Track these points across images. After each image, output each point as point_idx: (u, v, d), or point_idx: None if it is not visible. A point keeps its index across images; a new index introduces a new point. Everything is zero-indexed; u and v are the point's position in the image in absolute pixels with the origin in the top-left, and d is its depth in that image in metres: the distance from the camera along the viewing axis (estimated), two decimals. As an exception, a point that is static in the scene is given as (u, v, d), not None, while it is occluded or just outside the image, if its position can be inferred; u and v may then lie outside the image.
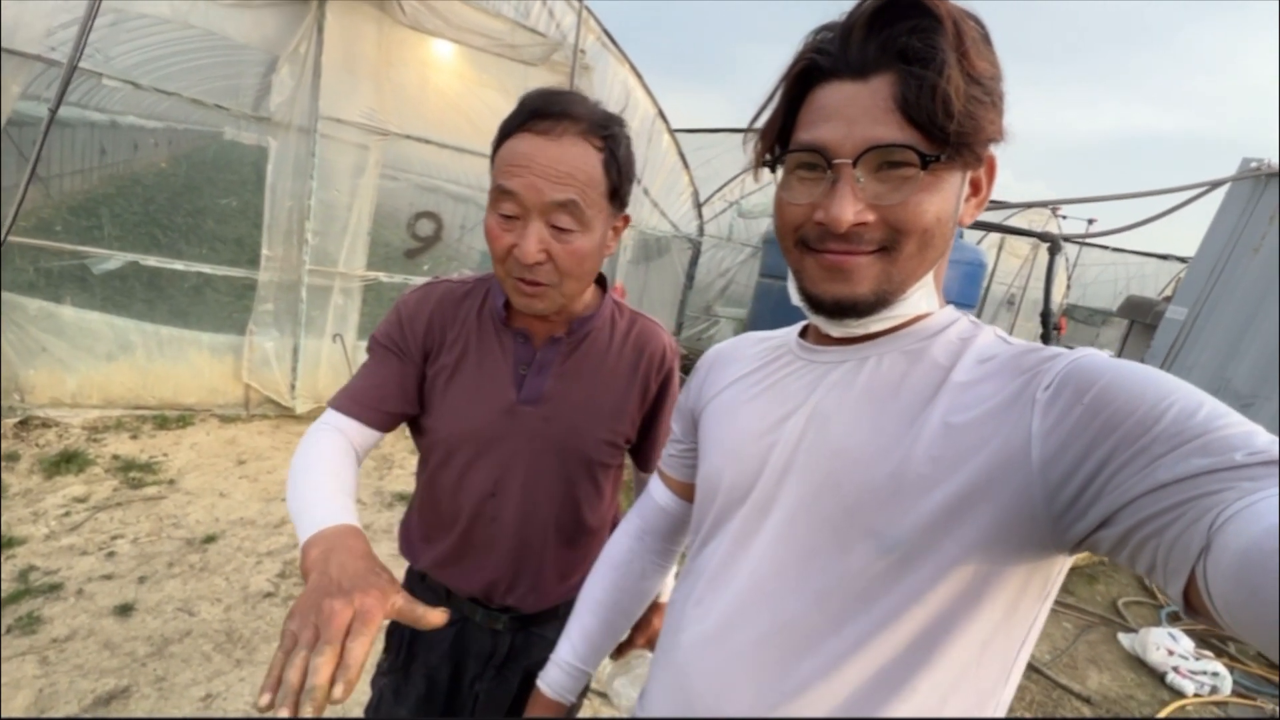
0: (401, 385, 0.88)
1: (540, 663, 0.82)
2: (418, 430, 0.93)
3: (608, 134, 0.77)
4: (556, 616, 0.98)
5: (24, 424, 3.03)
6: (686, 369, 0.75)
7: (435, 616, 0.55)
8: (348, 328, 3.81)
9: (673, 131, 4.90)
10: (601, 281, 0.95)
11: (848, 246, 0.51)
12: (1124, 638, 2.92)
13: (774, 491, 0.57)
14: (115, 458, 2.95)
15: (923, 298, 0.54)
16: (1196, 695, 2.56)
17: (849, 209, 0.48)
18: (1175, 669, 2.65)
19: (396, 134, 3.66)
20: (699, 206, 5.37)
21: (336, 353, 3.78)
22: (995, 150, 0.51)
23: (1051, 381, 0.46)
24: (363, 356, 0.91)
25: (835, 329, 0.57)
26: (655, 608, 0.97)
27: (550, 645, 0.82)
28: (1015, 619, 0.48)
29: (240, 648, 1.99)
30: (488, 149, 0.81)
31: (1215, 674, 2.63)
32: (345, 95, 3.44)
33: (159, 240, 3.73)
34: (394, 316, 0.90)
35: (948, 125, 0.46)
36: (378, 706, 1.01)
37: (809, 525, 0.54)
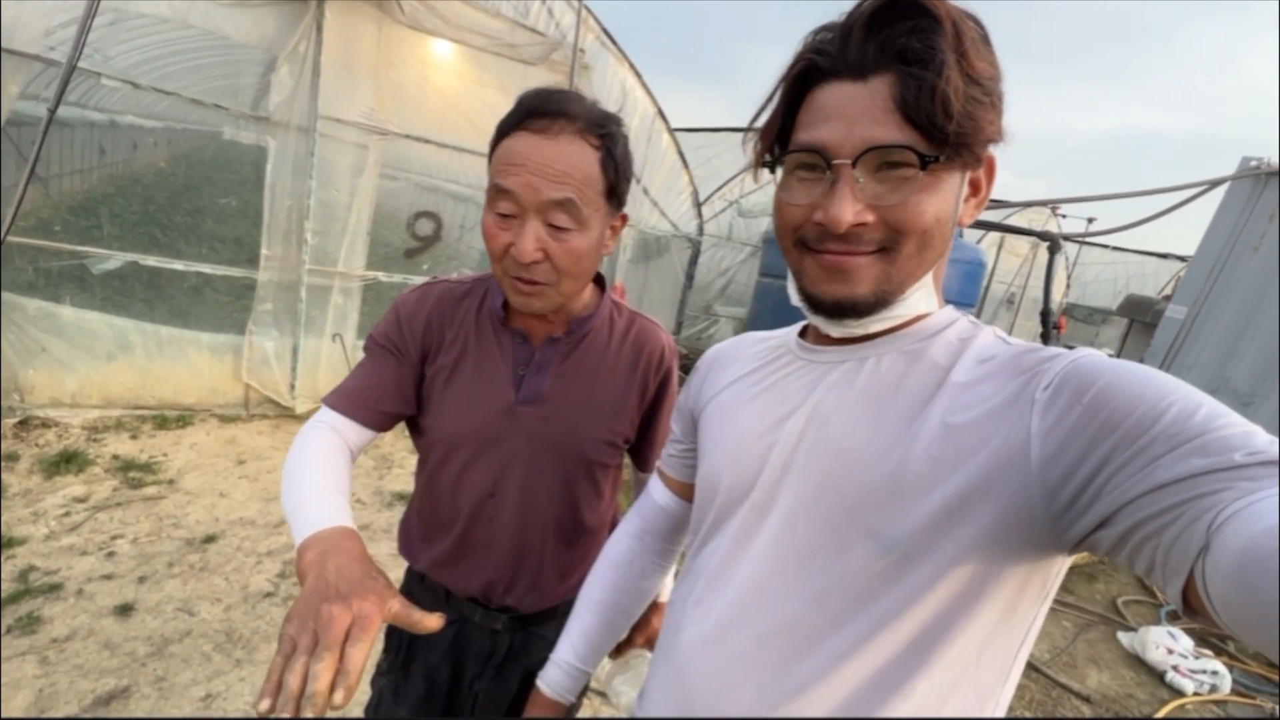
0: (399, 385, 0.88)
1: (540, 662, 0.82)
2: (416, 430, 0.93)
3: (605, 133, 0.77)
4: (556, 616, 0.98)
5: (24, 424, 3.03)
6: (686, 368, 0.75)
7: (432, 621, 0.55)
8: (347, 327, 3.81)
9: (672, 131, 4.89)
10: (600, 281, 0.95)
11: (847, 247, 0.51)
12: (1123, 636, 2.93)
13: (773, 491, 0.57)
14: (115, 458, 2.95)
15: (922, 298, 0.54)
16: (1196, 694, 2.57)
17: (848, 209, 0.48)
18: (1175, 668, 2.66)
19: (396, 133, 3.66)
20: (698, 206, 5.37)
21: (336, 352, 3.78)
22: (995, 150, 0.51)
23: (1051, 382, 0.46)
24: (362, 356, 0.91)
25: (835, 329, 0.57)
26: (654, 607, 0.97)
27: (549, 645, 0.82)
28: (1014, 619, 0.48)
29: (240, 648, 1.99)
30: (487, 148, 0.81)
31: (1215, 672, 2.63)
32: (344, 95, 3.44)
33: (158, 240, 3.73)
34: (392, 316, 0.89)
35: (947, 126, 0.46)
36: (377, 706, 1.01)
37: (808, 525, 0.54)
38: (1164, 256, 10.84)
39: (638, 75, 4.49)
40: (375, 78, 3.53)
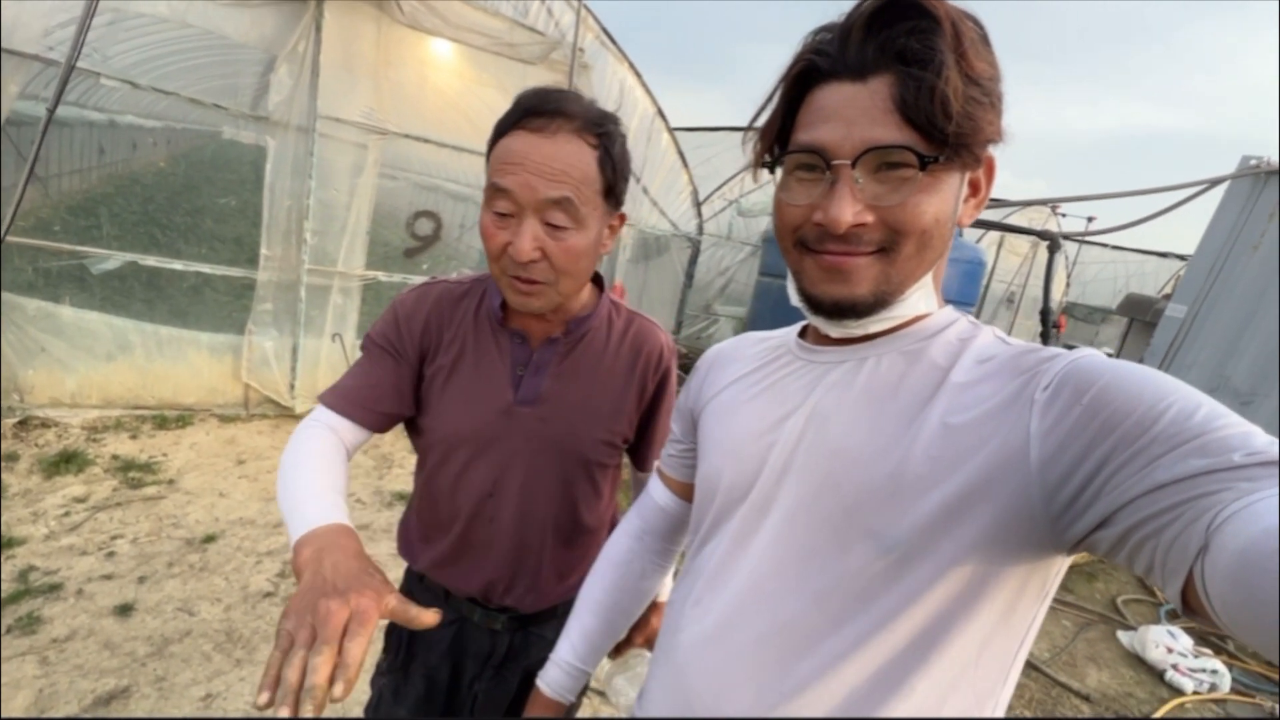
0: (397, 386, 0.87)
1: (539, 662, 0.82)
2: (415, 431, 0.93)
3: (602, 132, 0.77)
4: (555, 616, 0.98)
5: (23, 424, 3.03)
6: (686, 368, 0.75)
7: (429, 617, 0.55)
8: (347, 327, 3.81)
9: (672, 130, 4.89)
10: (598, 281, 0.95)
11: (846, 247, 0.51)
12: (1123, 635, 2.93)
13: (773, 491, 0.57)
14: (115, 458, 2.95)
15: (921, 298, 0.54)
16: (1195, 693, 2.57)
17: (848, 210, 0.48)
18: (1174, 666, 2.66)
19: (395, 133, 3.66)
20: (698, 205, 5.37)
21: (335, 352, 3.78)
22: (994, 150, 0.51)
23: (1050, 382, 0.46)
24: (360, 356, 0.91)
25: (834, 330, 0.57)
26: (654, 607, 0.97)
27: (549, 645, 0.82)
28: (1014, 619, 0.49)
29: (240, 647, 1.99)
30: (486, 148, 0.81)
31: (1214, 671, 2.64)
32: (344, 94, 3.44)
33: (158, 240, 3.73)
34: (390, 316, 0.89)
35: (946, 126, 0.46)
36: (377, 706, 1.01)
37: (808, 525, 0.54)
38: (1164, 255, 10.84)
39: (637, 74, 4.49)
40: (374, 77, 3.53)
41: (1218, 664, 2.67)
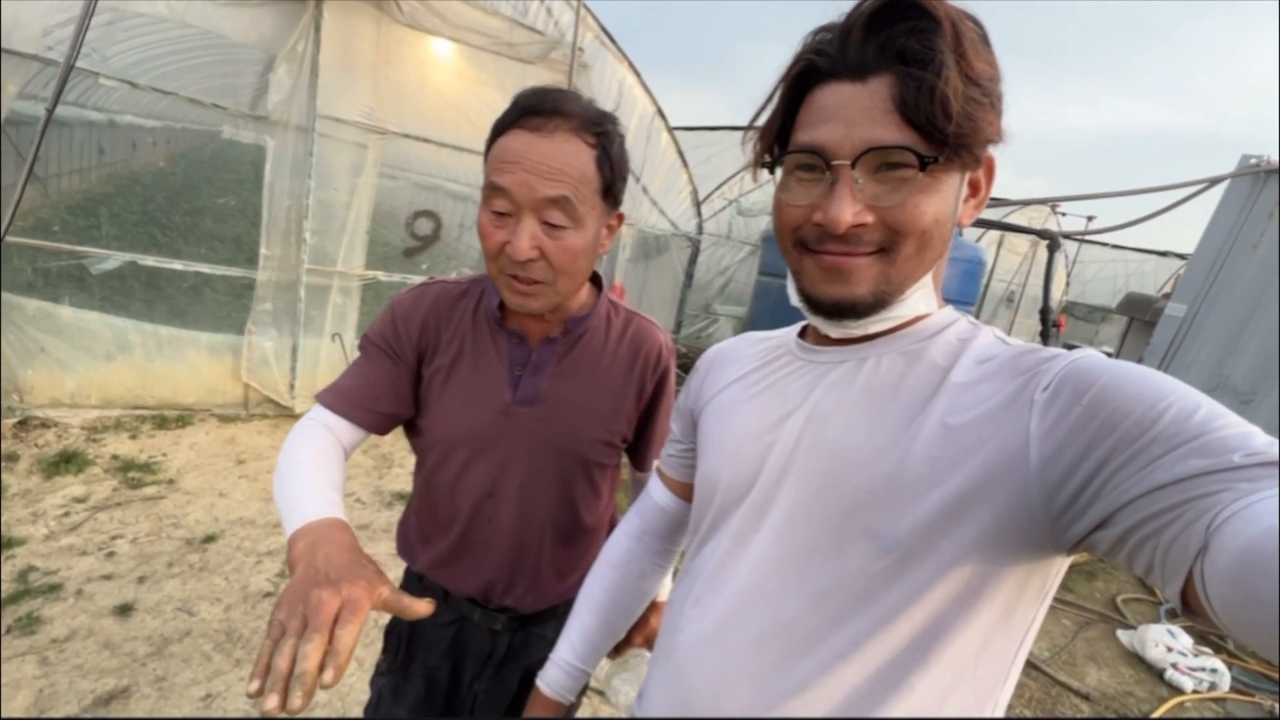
0: (394, 387, 0.87)
1: (539, 662, 0.82)
2: (414, 431, 0.93)
3: (600, 131, 0.77)
4: (555, 616, 0.98)
5: (23, 424, 3.03)
6: (685, 367, 0.75)
7: (421, 606, 0.55)
8: (346, 327, 3.81)
9: (671, 129, 4.89)
10: (597, 281, 0.95)
11: (846, 248, 0.51)
12: (1123, 634, 2.93)
13: (772, 491, 0.57)
14: (114, 458, 2.95)
15: (921, 299, 0.54)
16: (1195, 692, 2.57)
17: (847, 210, 0.48)
18: (1174, 665, 2.66)
19: (395, 133, 3.65)
20: (698, 205, 5.37)
21: (335, 352, 3.78)
22: (994, 150, 0.51)
23: (1050, 382, 0.46)
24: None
25: (834, 330, 0.57)
26: (653, 607, 0.97)
27: (549, 645, 0.82)
28: (1013, 619, 0.49)
29: (240, 647, 1.99)
30: (484, 147, 0.81)
31: (1214, 670, 2.64)
32: (343, 94, 3.44)
33: (157, 240, 3.72)
34: (388, 317, 0.89)
35: (946, 127, 0.46)
36: (377, 706, 1.01)
37: (807, 525, 0.54)
38: (1164, 254, 10.84)
39: (636, 74, 4.49)
40: (374, 77, 3.53)
41: (1217, 663, 2.67)
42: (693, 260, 5.53)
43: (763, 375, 0.64)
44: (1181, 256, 10.17)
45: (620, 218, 0.86)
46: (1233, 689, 2.62)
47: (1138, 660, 2.78)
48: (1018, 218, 8.13)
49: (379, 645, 1.05)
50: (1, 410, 2.97)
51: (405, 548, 1.00)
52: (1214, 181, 3.69)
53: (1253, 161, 3.50)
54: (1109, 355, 0.46)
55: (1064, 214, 9.07)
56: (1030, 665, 2.61)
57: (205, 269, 3.34)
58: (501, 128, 0.76)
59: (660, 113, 4.73)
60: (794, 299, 0.58)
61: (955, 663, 0.48)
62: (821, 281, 0.53)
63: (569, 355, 0.89)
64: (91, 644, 1.90)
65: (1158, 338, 3.86)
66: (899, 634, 0.48)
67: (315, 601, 0.49)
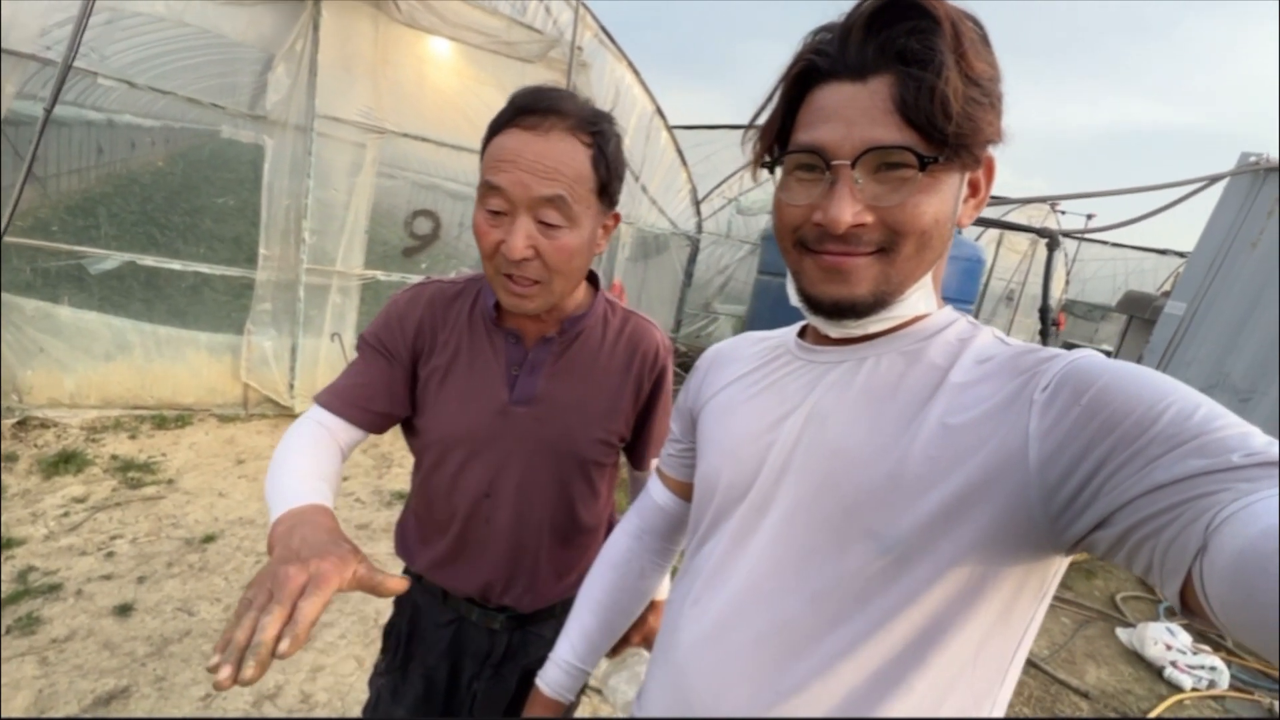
0: (389, 387, 0.87)
1: (537, 661, 0.82)
2: (411, 432, 0.93)
3: (596, 130, 0.77)
4: (553, 615, 0.98)
5: (22, 424, 3.02)
6: (685, 366, 0.75)
7: (395, 583, 0.54)
8: (345, 326, 3.81)
9: (670, 128, 4.89)
10: (594, 280, 0.95)
11: (846, 248, 0.50)
12: (1122, 632, 2.93)
13: (772, 491, 0.57)
14: (114, 458, 2.95)
15: (921, 299, 0.54)
16: (1194, 690, 2.57)
17: (847, 210, 0.48)
18: (1173, 663, 2.66)
19: (393, 132, 3.65)
20: (697, 204, 5.37)
21: (334, 352, 3.78)
22: (994, 150, 0.51)
23: (1049, 382, 0.46)
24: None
25: (834, 330, 0.57)
26: (652, 606, 0.97)
27: (547, 644, 0.82)
28: (1012, 619, 0.49)
29: (240, 647, 1.99)
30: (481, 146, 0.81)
31: (1213, 668, 2.64)
32: (342, 93, 3.43)
33: (156, 240, 3.72)
34: (384, 317, 0.89)
35: (946, 127, 0.46)
36: (375, 706, 1.01)
37: (807, 525, 0.54)
38: (1163, 252, 10.84)
39: (636, 73, 4.48)
40: (372, 76, 3.52)
41: (1216, 661, 2.68)
42: (692, 259, 5.52)
43: (762, 375, 0.64)
44: (1181, 254, 10.17)
45: (616, 217, 0.86)
46: (1232, 687, 2.62)
47: (1137, 658, 2.78)
48: (1017, 216, 8.13)
49: (379, 645, 1.05)
50: (1, 410, 2.97)
51: (404, 548, 1.00)
52: (1213, 179, 3.69)
53: (1252, 160, 3.50)
54: (1108, 354, 0.46)
55: (1063, 212, 9.08)
56: (1030, 663, 2.61)
57: (204, 269, 3.34)
58: (497, 127, 0.76)
59: (659, 111, 4.72)
60: (794, 299, 0.58)
61: (954, 662, 0.48)
62: (821, 281, 0.53)
63: (565, 355, 0.89)
64: (91, 644, 1.90)
65: (1157, 336, 3.86)
66: (898, 634, 0.48)
67: (282, 577, 0.49)
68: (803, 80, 0.52)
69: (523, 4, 3.82)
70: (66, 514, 2.50)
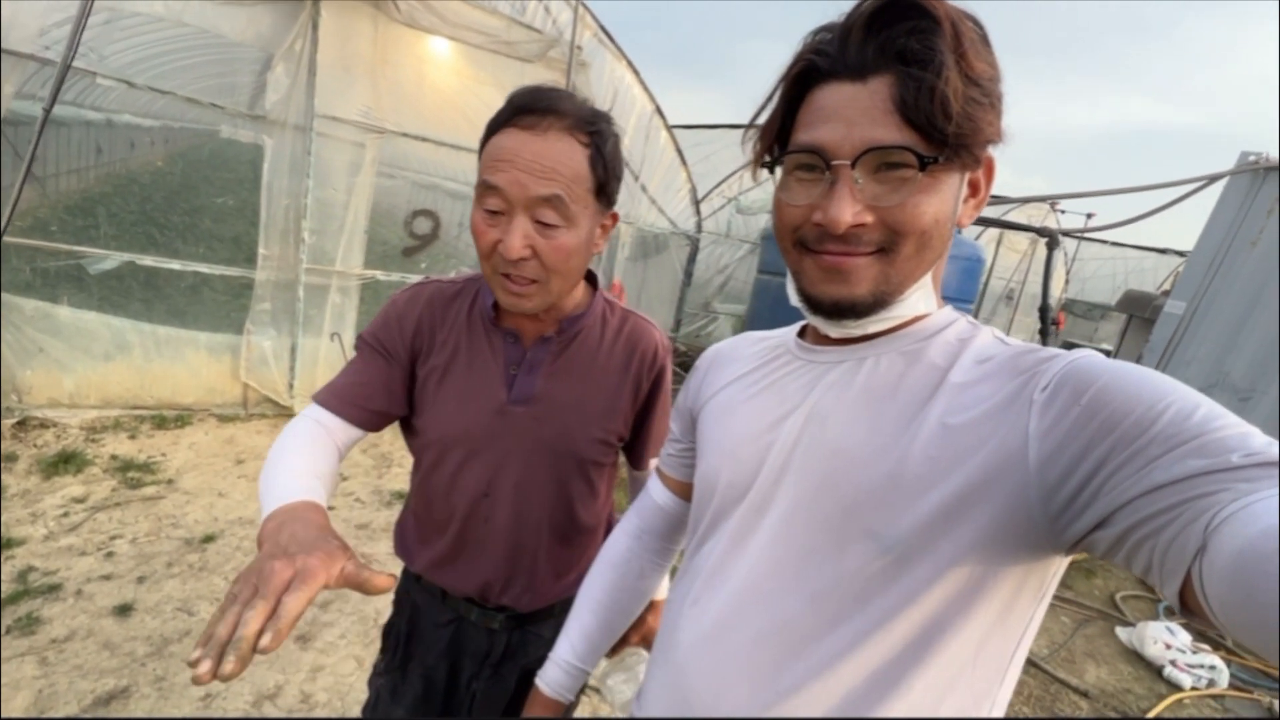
0: (387, 386, 0.87)
1: (537, 661, 0.82)
2: (410, 432, 0.93)
3: (594, 130, 0.77)
4: (552, 615, 0.98)
5: (22, 424, 3.02)
6: (685, 366, 0.75)
7: (382, 581, 0.54)
8: (345, 326, 3.81)
9: (670, 128, 4.88)
10: (593, 280, 0.95)
11: (846, 248, 0.50)
12: (1121, 632, 2.93)
13: (771, 491, 0.57)
14: (113, 458, 2.95)
15: (921, 299, 0.54)
16: (1194, 689, 2.58)
17: (847, 210, 0.48)
18: (1173, 662, 2.67)
19: (393, 132, 3.65)
20: (697, 203, 5.37)
21: (334, 351, 3.78)
22: (994, 150, 0.51)
23: (1049, 382, 0.46)
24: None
25: (833, 330, 0.57)
26: (651, 606, 0.97)
27: (547, 644, 0.82)
28: (1011, 619, 0.49)
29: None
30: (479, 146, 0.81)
31: (1213, 667, 2.64)
32: (341, 93, 3.43)
33: (156, 240, 3.71)
34: (383, 316, 0.89)
35: (946, 127, 0.46)
36: (375, 706, 1.01)
37: (806, 525, 0.54)
38: (1163, 252, 10.84)
39: (635, 72, 4.48)
40: (372, 76, 3.52)
41: (1216, 660, 2.68)
42: (692, 258, 5.52)
43: (762, 375, 0.64)
44: (1181, 254, 10.17)
45: (614, 217, 0.86)
46: (1231, 686, 2.62)
47: (1136, 657, 2.79)
48: (1017, 215, 8.13)
49: (378, 645, 1.05)
50: (1, 410, 2.96)
51: (403, 548, 1.00)
52: (1213, 179, 3.69)
53: (1252, 159, 3.50)
54: (1108, 353, 0.47)
55: (1063, 211, 9.08)
56: (1029, 662, 2.61)
57: (204, 269, 3.34)
58: (495, 126, 0.76)
59: (659, 111, 4.72)
60: (793, 299, 0.58)
61: (953, 662, 0.48)
62: (821, 281, 0.53)
63: (564, 354, 0.89)
64: (91, 644, 1.90)
65: (1157, 335, 3.86)
66: (897, 634, 0.48)
67: (267, 571, 0.48)
68: (803, 80, 0.52)
69: (522, 4, 3.82)
70: (66, 514, 2.50)
